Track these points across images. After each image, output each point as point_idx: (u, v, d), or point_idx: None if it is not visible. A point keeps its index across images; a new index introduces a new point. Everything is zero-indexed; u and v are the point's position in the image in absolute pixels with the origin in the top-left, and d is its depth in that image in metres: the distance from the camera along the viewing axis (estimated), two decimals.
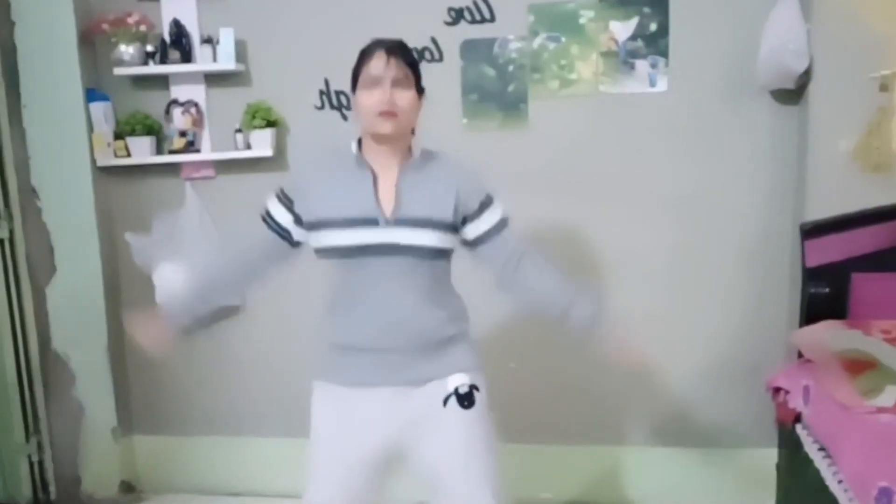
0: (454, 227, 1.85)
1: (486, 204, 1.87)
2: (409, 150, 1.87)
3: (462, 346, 1.92)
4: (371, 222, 1.78)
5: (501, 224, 1.90)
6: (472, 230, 1.87)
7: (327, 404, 1.91)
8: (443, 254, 1.86)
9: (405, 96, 1.78)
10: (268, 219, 1.91)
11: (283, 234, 1.91)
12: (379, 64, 1.76)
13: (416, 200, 1.80)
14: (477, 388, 1.89)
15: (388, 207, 1.80)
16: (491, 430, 1.92)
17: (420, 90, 1.85)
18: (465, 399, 1.86)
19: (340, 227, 1.79)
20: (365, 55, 1.80)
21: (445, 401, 1.85)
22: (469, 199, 1.85)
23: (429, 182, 1.84)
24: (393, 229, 1.78)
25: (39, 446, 3.29)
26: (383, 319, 1.82)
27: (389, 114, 1.75)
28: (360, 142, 1.87)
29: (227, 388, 3.32)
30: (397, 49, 1.79)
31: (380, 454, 1.88)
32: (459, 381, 1.87)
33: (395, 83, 1.76)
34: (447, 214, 1.81)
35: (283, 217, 1.89)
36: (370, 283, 1.82)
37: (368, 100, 1.76)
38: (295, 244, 1.94)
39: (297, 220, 1.88)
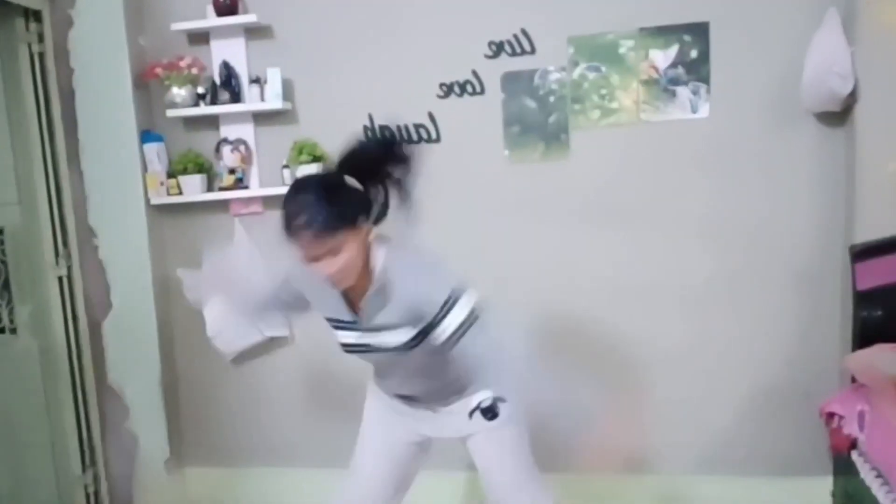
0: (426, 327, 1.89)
1: (448, 305, 1.83)
2: (369, 271, 1.90)
3: (483, 382, 2.03)
4: (352, 325, 1.97)
5: (467, 322, 1.83)
6: (440, 334, 1.84)
7: (375, 398, 2.21)
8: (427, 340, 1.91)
9: (340, 260, 1.80)
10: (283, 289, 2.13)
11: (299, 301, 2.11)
12: (306, 246, 1.79)
13: (382, 316, 1.91)
14: (502, 400, 2.02)
15: (362, 316, 1.95)
16: (522, 438, 2.09)
17: (356, 223, 1.83)
18: (488, 411, 2.03)
19: (332, 327, 2.03)
20: (291, 237, 1.80)
21: (471, 414, 2.04)
22: (430, 309, 1.84)
23: (390, 303, 1.89)
24: (369, 333, 1.95)
25: (95, 477, 3.36)
26: (400, 389, 2.10)
27: (332, 279, 1.84)
28: None
29: (276, 420, 3.36)
30: (315, 224, 1.76)
31: (415, 438, 2.15)
32: (482, 396, 2.03)
33: (329, 253, 1.79)
34: (414, 321, 1.88)
35: (295, 294, 2.10)
36: (378, 366, 2.12)
37: (313, 270, 1.82)
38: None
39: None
